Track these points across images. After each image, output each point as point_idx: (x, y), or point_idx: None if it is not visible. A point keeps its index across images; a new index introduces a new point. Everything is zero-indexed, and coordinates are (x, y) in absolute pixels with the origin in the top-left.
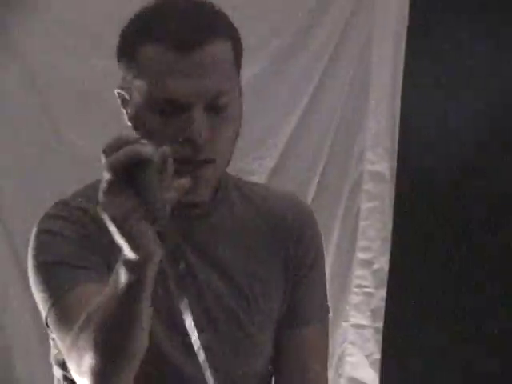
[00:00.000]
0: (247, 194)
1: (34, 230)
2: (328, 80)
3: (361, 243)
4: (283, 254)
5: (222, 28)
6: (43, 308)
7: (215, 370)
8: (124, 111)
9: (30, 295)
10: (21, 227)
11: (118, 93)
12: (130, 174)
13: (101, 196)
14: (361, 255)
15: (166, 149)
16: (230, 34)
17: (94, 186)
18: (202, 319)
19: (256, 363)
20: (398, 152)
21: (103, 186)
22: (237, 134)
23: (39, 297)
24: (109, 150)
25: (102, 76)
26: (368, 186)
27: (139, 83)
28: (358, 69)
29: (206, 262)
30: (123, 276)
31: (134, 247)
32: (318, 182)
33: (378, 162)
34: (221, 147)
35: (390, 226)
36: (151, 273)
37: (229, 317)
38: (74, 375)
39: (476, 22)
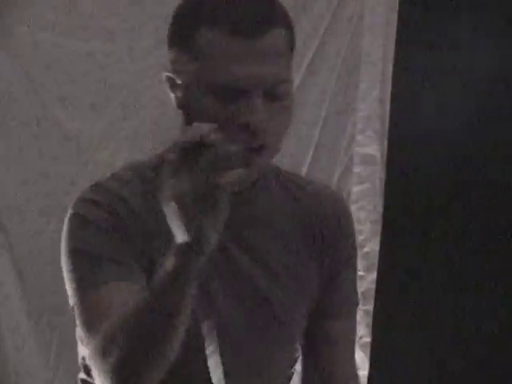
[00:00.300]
0: (285, 182)
1: (69, 212)
2: (318, 64)
3: None
4: (319, 247)
5: (281, 17)
6: (71, 296)
7: (244, 359)
8: (173, 96)
9: (25, 292)
10: (14, 217)
11: (168, 76)
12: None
13: (165, 174)
14: None
15: (239, 145)
16: (287, 23)
17: (132, 168)
18: (236, 308)
19: (285, 352)
20: (389, 135)
21: (167, 165)
22: (289, 124)
23: (68, 283)
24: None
25: (90, 57)
26: (358, 168)
27: (196, 67)
28: (348, 52)
29: (244, 251)
30: (171, 263)
31: (188, 229)
32: (309, 165)
33: (368, 144)
34: (275, 135)
35: (380, 209)
36: (200, 261)
37: (263, 306)
38: (99, 373)
39: (474, 16)
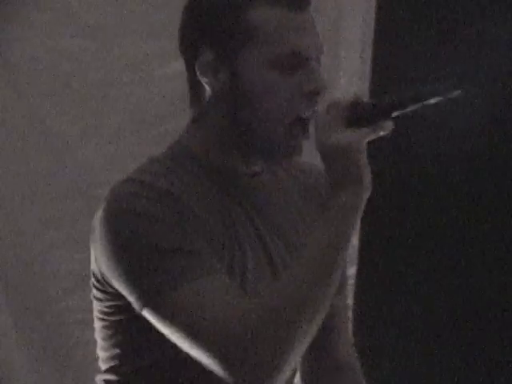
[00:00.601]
0: (286, 165)
1: (116, 208)
2: None
3: None
4: None
5: None
6: (142, 296)
7: None
8: (209, 81)
9: (7, 293)
10: None
11: (204, 62)
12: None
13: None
14: None
15: None
16: None
17: (159, 161)
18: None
19: None
20: None
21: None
22: None
23: (142, 282)
24: None
25: (72, 54)
26: None
27: (254, 46)
28: (327, 49)
29: (268, 227)
30: (347, 197)
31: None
32: None
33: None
34: None
35: None
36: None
37: None
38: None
39: None
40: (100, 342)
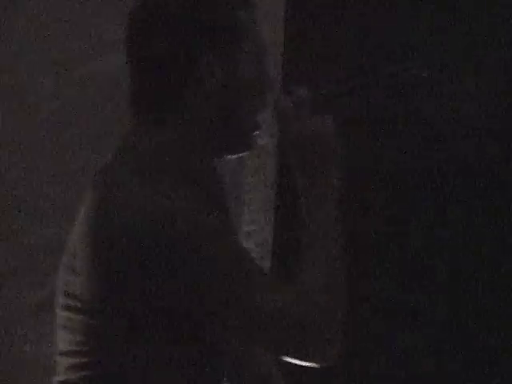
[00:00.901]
0: None
1: (166, 213)
2: None
3: (245, 216)
4: None
5: None
6: (230, 297)
7: None
8: (205, 79)
9: None
10: None
11: (205, 63)
12: None
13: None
14: (245, 228)
15: None
16: None
17: (144, 170)
18: None
19: None
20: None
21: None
22: None
23: (221, 289)
24: None
25: None
26: (250, 160)
27: (245, 39)
28: None
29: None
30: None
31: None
32: None
33: (260, 135)
34: None
35: (272, 199)
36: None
37: None
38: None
39: None
40: (75, 363)
